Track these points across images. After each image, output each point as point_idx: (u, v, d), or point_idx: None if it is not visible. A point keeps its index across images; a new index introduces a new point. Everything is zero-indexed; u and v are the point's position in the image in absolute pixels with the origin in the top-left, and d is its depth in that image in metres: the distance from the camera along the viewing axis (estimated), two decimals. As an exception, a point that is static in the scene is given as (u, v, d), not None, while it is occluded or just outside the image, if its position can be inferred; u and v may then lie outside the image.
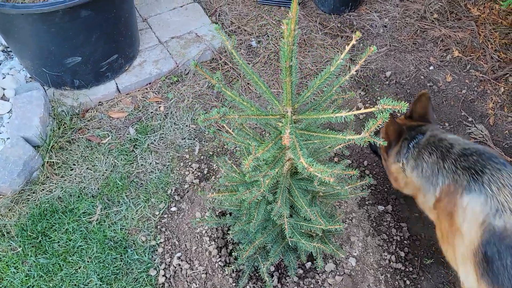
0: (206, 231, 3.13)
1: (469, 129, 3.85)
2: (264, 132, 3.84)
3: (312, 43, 4.54)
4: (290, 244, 2.57)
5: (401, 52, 4.45)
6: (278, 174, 2.06)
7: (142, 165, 3.70)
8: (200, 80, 4.25)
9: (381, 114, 1.66)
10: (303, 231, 2.49)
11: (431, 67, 4.30)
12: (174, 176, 3.62)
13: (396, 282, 3.05)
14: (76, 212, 3.43)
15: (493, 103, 4.00)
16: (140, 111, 4.05)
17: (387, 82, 4.21)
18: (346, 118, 1.78)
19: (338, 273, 2.95)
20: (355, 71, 1.99)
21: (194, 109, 4.05)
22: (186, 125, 3.94)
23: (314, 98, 2.03)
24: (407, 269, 3.13)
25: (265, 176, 1.99)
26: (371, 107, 1.67)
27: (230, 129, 2.38)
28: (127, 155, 3.76)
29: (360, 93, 4.12)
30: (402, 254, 3.18)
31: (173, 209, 3.42)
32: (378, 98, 4.08)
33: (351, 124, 2.76)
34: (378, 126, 1.71)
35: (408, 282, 3.08)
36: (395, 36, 4.59)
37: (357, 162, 3.70)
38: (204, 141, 3.86)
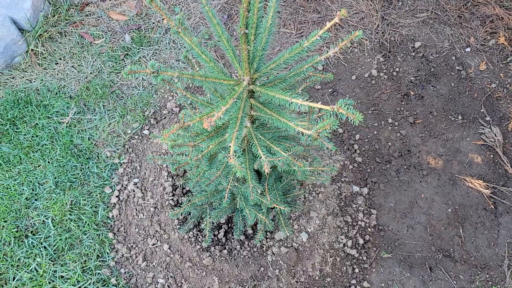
0: (166, 166, 3.00)
1: (483, 129, 3.47)
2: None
3: None
4: (239, 206, 2.44)
5: (441, 23, 3.93)
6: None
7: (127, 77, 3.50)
8: (213, 0, 3.88)
9: (331, 118, 1.42)
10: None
11: (468, 49, 3.81)
12: (156, 98, 3.43)
13: (344, 268, 2.93)
14: (49, 109, 3.33)
15: (521, 107, 3.57)
16: (141, 18, 3.76)
17: (413, 53, 3.76)
18: (301, 107, 1.53)
19: (286, 244, 2.83)
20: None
21: (198, 30, 3.74)
22: (184, 46, 3.66)
23: (280, 72, 1.74)
24: (361, 258, 3.00)
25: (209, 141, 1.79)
26: (327, 105, 1.42)
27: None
28: (115, 62, 3.55)
29: (378, 59, 3.72)
30: (361, 241, 3.02)
31: (145, 132, 3.28)
32: (397, 70, 3.68)
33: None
34: (326, 130, 1.47)
35: (357, 270, 2.96)
36: (441, 3, 4.03)
37: (349, 133, 3.42)
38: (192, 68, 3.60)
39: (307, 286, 2.82)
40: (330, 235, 2.92)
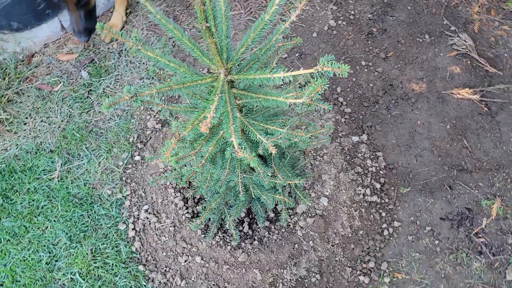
0: (170, 183, 2.97)
1: (452, 40, 3.50)
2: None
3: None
4: (254, 195, 2.43)
5: (378, -47, 3.92)
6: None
7: (99, 112, 3.43)
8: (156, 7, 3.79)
9: (320, 78, 1.40)
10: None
11: (412, -31, 3.81)
12: (135, 122, 3.38)
13: (371, 216, 2.96)
14: (35, 170, 3.25)
15: (479, 6, 3.60)
16: (91, 50, 3.67)
17: (361, -8, 3.76)
18: (285, 79, 1.52)
19: (310, 214, 2.85)
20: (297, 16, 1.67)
21: (150, 42, 3.67)
22: (143, 63, 3.59)
23: (253, 53, 1.71)
24: (383, 201, 3.03)
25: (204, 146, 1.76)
26: (310, 68, 1.40)
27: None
28: (82, 102, 3.47)
29: (331, 8, 3.70)
30: (378, 185, 3.05)
31: (137, 158, 3.23)
32: (352, 13, 3.67)
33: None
34: (318, 92, 1.46)
35: (384, 214, 3.00)
36: None
37: (330, 88, 3.42)
38: (163, 80, 3.55)
39: (344, 245, 2.85)
40: (347, 190, 2.94)
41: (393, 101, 3.36)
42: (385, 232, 2.95)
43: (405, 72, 3.44)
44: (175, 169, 2.85)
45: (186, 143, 1.86)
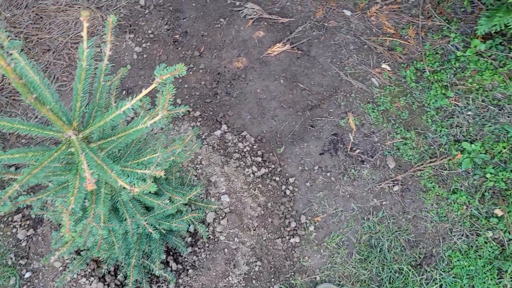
0: (78, 274, 2.76)
1: (242, 12, 3.85)
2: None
3: (47, 11, 3.87)
4: (164, 230, 2.41)
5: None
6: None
7: (-42, 257, 2.99)
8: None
9: (165, 87, 1.48)
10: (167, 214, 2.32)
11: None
12: (2, 243, 3.03)
13: (269, 186, 3.16)
14: None
15: (247, -23, 4.01)
16: None
17: (147, 11, 3.88)
18: (134, 106, 1.56)
19: (220, 216, 2.92)
20: (110, 50, 1.70)
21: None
22: (-24, 183, 3.21)
23: (91, 103, 1.70)
24: (270, 168, 3.25)
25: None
26: (151, 83, 1.46)
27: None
28: None
29: (130, 37, 3.76)
30: (259, 159, 3.26)
31: (28, 275, 2.92)
32: (150, 32, 3.78)
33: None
34: (169, 100, 1.53)
35: (277, 178, 3.22)
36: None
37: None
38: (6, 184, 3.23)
39: (263, 223, 3.00)
40: (238, 177, 3.08)
41: (228, 86, 3.58)
42: (287, 192, 3.18)
43: (223, 57, 3.68)
44: (74, 258, 2.67)
45: (78, 214, 1.77)
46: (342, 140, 3.39)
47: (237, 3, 3.90)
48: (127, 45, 3.73)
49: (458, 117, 3.42)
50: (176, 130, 3.34)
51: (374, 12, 3.84)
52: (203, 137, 3.32)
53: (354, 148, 3.36)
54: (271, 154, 3.32)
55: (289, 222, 3.07)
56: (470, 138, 3.36)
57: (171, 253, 2.90)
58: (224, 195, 2.97)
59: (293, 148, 3.35)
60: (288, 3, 3.91)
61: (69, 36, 3.75)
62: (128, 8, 3.89)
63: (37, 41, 3.74)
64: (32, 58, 3.67)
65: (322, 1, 3.89)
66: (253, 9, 3.84)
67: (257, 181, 3.14)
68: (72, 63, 3.67)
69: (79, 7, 3.86)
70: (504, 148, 3.29)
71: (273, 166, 3.26)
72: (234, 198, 3.00)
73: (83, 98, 1.63)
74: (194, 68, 3.64)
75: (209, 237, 2.87)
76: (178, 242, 2.59)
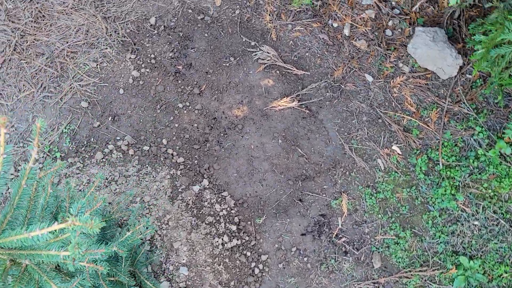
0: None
1: (255, 54, 3.52)
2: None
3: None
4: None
5: (158, -14, 3.76)
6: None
7: None
8: None
9: (73, 231, 1.20)
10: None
11: (196, -6, 3.74)
12: None
13: (237, 261, 2.87)
14: None
15: (269, 14, 3.67)
16: None
17: (155, 31, 3.58)
18: (46, 237, 1.28)
19: (173, 291, 2.65)
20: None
21: None
22: None
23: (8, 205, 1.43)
24: (243, 240, 2.95)
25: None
26: (66, 219, 1.19)
27: None
28: None
29: (130, 58, 3.47)
30: (234, 227, 2.96)
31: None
32: (153, 56, 3.48)
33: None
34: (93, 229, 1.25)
35: (249, 253, 2.92)
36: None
37: (156, 143, 3.22)
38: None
39: (220, 305, 2.72)
40: (204, 248, 2.80)
41: (222, 134, 3.28)
42: (256, 271, 2.88)
43: (223, 100, 3.37)
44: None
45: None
46: (329, 223, 3.07)
47: (253, 43, 3.56)
48: (125, 66, 3.45)
49: (462, 225, 3.07)
50: (153, 176, 3.06)
51: (398, 83, 3.47)
52: (179, 189, 3.03)
53: (340, 236, 3.04)
54: (248, 223, 3.02)
55: (249, 306, 2.79)
56: (470, 252, 3.01)
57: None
58: (183, 267, 2.70)
59: (274, 221, 3.04)
60: (307, 54, 3.56)
61: (67, 43, 3.49)
62: (136, 24, 3.59)
63: (33, 41, 3.48)
64: (24, 60, 3.42)
65: (344, 60, 3.53)
66: (268, 53, 3.51)
67: (224, 254, 2.85)
68: (64, 73, 3.41)
69: (85, 14, 3.57)
70: (506, 273, 2.93)
71: (247, 238, 2.96)
72: (193, 272, 2.72)
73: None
74: (190, 107, 3.34)
75: (156, 312, 2.60)
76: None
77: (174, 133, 3.26)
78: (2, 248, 1.42)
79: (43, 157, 3.14)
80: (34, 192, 1.50)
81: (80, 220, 1.13)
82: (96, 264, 1.57)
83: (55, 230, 1.23)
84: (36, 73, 3.40)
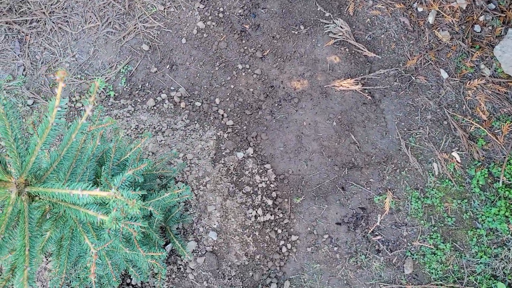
0: None
1: (327, 27, 3.31)
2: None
3: None
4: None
5: None
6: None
7: None
8: (-6, 33, 3.25)
9: (114, 203, 1.16)
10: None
11: (278, -49, 3.51)
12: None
13: (267, 237, 2.83)
14: None
15: (352, -14, 3.41)
16: None
17: (229, -16, 3.42)
18: (87, 199, 1.25)
19: (199, 253, 2.65)
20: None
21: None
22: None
23: (55, 154, 1.41)
24: (277, 217, 2.90)
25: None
26: (107, 190, 1.15)
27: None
28: None
29: (198, 7, 3.35)
30: (270, 202, 2.90)
31: None
32: (221, 10, 3.35)
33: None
34: (133, 208, 1.21)
35: (279, 230, 2.87)
36: None
37: (208, 102, 3.15)
38: None
39: (242, 275, 2.71)
40: (237, 217, 2.77)
41: (276, 104, 3.16)
42: (284, 249, 2.84)
43: (285, 69, 3.23)
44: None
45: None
46: (367, 218, 2.95)
47: (327, 14, 3.35)
48: (192, 15, 3.34)
49: (509, 250, 2.87)
50: (199, 134, 3.01)
51: (475, 86, 3.19)
52: (223, 153, 2.98)
53: (376, 233, 2.93)
54: (285, 200, 2.96)
55: (270, 283, 2.77)
56: (510, 280, 2.83)
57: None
58: (213, 232, 2.69)
59: (312, 204, 2.96)
60: (382, 36, 3.31)
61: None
62: (211, -28, 3.44)
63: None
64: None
65: (421, 49, 3.27)
66: (342, 28, 3.29)
67: (255, 227, 2.81)
68: (131, 12, 3.34)
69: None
70: (544, 310, 2.75)
71: (281, 215, 2.91)
72: (222, 239, 2.71)
73: (42, 152, 1.33)
74: (249, 70, 3.22)
75: (179, 268, 2.63)
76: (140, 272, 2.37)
77: (228, 94, 3.17)
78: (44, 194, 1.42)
79: (97, 92, 3.14)
80: (82, 143, 1.48)
81: (122, 194, 1.08)
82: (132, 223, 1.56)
83: (96, 196, 1.19)
84: (104, 6, 3.36)
